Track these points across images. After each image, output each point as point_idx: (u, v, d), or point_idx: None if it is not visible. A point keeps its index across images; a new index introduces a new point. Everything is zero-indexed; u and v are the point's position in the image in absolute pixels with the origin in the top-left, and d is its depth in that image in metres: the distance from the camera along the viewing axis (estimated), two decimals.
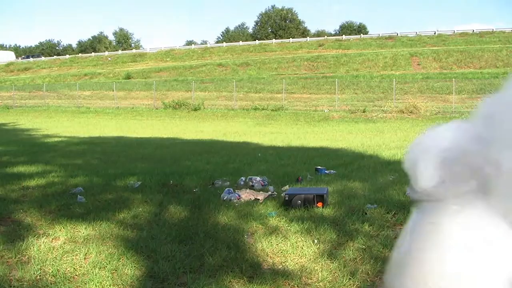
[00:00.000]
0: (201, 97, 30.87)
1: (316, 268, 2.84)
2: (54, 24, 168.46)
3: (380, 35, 51.91)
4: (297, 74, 37.69)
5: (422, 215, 0.49)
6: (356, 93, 29.26)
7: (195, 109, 28.73)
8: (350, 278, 2.68)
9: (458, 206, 0.46)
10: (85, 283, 2.62)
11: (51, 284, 2.63)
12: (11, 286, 2.60)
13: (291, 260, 2.99)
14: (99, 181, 5.77)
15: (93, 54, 62.26)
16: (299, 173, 6.11)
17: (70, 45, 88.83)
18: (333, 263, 2.91)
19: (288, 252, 3.11)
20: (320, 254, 3.06)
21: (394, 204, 4.23)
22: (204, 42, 70.76)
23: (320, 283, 2.65)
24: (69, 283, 2.64)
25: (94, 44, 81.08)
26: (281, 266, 2.91)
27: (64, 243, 3.31)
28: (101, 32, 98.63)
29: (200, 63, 45.82)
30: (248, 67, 42.23)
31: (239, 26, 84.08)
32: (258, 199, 4.62)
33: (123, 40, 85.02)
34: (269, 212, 4.09)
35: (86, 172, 6.47)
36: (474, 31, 48.84)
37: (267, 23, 75.36)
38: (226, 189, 4.93)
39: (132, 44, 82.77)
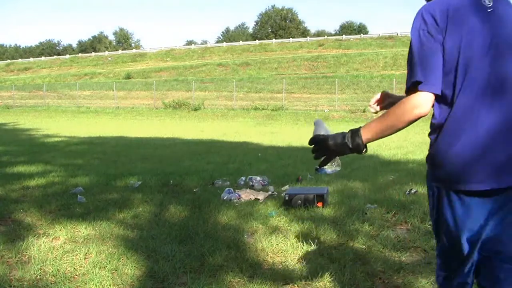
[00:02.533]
0: (201, 97, 30.89)
1: (316, 268, 2.84)
2: (54, 24, 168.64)
3: (380, 35, 51.90)
4: (297, 74, 37.71)
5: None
6: (356, 93, 29.28)
7: (195, 109, 28.75)
8: (350, 278, 2.68)
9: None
10: (85, 283, 2.62)
11: (51, 284, 2.63)
12: (11, 286, 2.60)
13: (291, 260, 3.00)
14: (99, 181, 5.77)
15: (93, 54, 62.24)
16: (299, 173, 6.12)
17: (70, 45, 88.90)
18: (333, 263, 2.91)
19: (288, 252, 3.11)
20: (320, 254, 3.06)
21: (394, 204, 4.23)
22: (204, 42, 70.79)
23: (320, 283, 2.65)
24: (69, 283, 2.64)
25: (94, 44, 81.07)
26: (281, 266, 2.91)
27: (64, 243, 3.31)
28: (101, 32, 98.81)
29: (200, 63, 45.82)
30: (248, 67, 42.23)
31: (239, 26, 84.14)
32: (258, 199, 4.63)
33: (123, 40, 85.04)
34: (269, 212, 4.09)
35: (86, 172, 6.47)
36: None
37: (267, 23, 75.33)
38: (226, 189, 4.93)
39: (132, 44, 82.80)
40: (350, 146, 1.55)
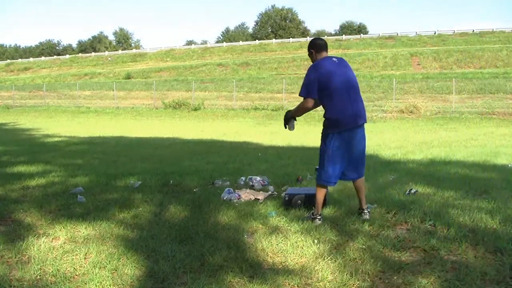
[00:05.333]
0: (201, 97, 30.87)
1: (316, 268, 2.84)
2: (54, 24, 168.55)
3: (380, 35, 51.90)
4: (297, 74, 37.66)
5: None
6: None
7: (195, 109, 28.73)
8: (350, 278, 2.69)
9: None
10: (85, 283, 2.62)
11: (51, 284, 2.63)
12: (11, 286, 2.61)
13: (291, 260, 3.00)
14: (99, 181, 5.77)
15: (93, 54, 62.25)
16: (299, 173, 6.12)
17: (70, 45, 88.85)
18: (333, 263, 2.91)
19: (288, 252, 3.11)
20: (320, 254, 3.06)
21: (394, 204, 4.23)
22: (204, 42, 70.80)
23: (320, 283, 2.65)
24: (69, 283, 2.64)
25: (94, 44, 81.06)
26: (281, 266, 2.91)
27: (64, 243, 3.31)
28: (101, 32, 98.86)
29: (200, 63, 45.82)
30: (248, 67, 42.24)
31: (239, 26, 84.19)
32: (258, 199, 4.63)
33: (123, 40, 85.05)
34: (269, 212, 4.09)
35: (86, 172, 6.47)
36: (474, 31, 48.84)
37: (267, 23, 75.30)
38: (226, 189, 4.93)
39: (132, 44, 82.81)
40: (286, 114, 3.95)
